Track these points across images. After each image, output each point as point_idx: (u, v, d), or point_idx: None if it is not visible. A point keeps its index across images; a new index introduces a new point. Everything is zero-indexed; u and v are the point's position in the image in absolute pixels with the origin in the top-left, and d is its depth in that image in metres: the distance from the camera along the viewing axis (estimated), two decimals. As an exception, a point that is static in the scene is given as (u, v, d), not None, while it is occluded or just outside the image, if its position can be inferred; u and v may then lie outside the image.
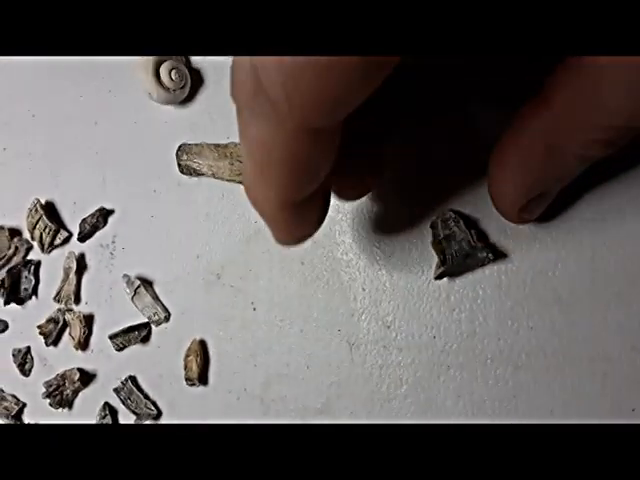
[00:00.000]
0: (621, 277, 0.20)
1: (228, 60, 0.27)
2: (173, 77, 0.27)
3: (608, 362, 0.20)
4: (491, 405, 0.21)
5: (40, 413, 0.31)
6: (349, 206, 0.24)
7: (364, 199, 0.24)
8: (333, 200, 0.25)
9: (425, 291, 0.23)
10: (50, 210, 0.31)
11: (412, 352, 0.23)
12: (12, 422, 0.31)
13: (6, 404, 0.31)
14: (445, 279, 0.22)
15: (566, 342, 0.21)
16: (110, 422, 0.29)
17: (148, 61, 0.27)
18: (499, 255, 0.21)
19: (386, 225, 0.23)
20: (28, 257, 0.31)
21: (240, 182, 0.26)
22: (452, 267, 0.21)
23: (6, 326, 0.32)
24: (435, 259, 0.22)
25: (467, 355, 0.22)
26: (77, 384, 0.29)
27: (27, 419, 0.32)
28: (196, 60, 0.28)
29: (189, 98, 0.28)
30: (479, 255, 0.21)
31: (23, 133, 0.33)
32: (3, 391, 0.32)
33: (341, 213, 0.24)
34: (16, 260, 0.31)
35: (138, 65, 0.27)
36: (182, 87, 0.27)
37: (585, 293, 0.20)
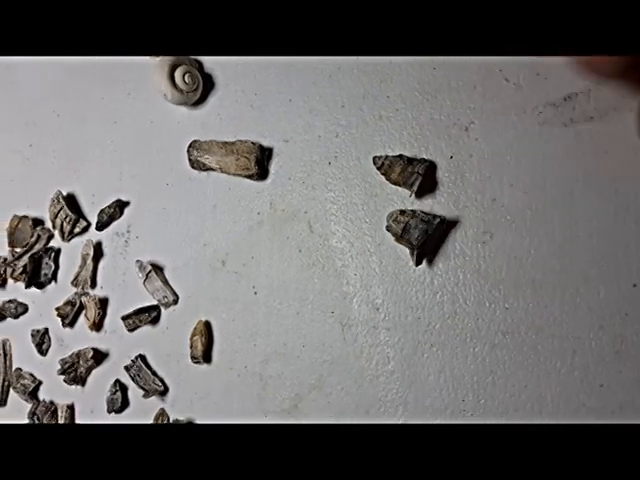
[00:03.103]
0: (589, 263, 0.22)
1: (237, 66, 0.30)
2: (186, 80, 0.29)
3: (577, 340, 0.22)
4: (470, 380, 0.23)
5: (55, 390, 0.33)
6: (343, 198, 0.26)
7: (357, 192, 0.26)
8: (328, 193, 0.27)
9: (411, 276, 0.25)
10: (71, 201, 0.33)
11: (399, 332, 0.25)
12: (28, 399, 0.34)
13: (24, 381, 0.34)
14: (427, 265, 0.24)
15: (539, 322, 0.22)
16: (120, 398, 0.31)
17: (163, 65, 0.30)
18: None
19: (376, 216, 0.26)
20: (49, 245, 0.34)
21: (245, 176, 0.29)
22: (423, 248, 0.23)
23: (26, 309, 0.35)
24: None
25: (448, 334, 0.24)
26: (90, 362, 0.31)
27: (42, 396, 0.34)
28: (208, 65, 0.31)
29: (201, 100, 0.30)
30: (435, 223, 0.23)
31: (48, 131, 0.35)
32: (21, 369, 0.34)
33: (336, 205, 0.27)
34: (38, 247, 0.34)
35: (155, 69, 0.30)
36: (195, 90, 0.30)
37: (556, 277, 0.22)
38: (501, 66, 0.24)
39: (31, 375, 0.34)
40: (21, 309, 0.34)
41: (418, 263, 0.24)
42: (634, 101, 0.22)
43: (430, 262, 0.24)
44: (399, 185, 0.24)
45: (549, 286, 0.22)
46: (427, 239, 0.23)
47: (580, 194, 0.22)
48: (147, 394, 0.30)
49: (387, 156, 0.24)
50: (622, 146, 0.22)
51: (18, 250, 0.34)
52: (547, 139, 0.23)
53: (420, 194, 0.24)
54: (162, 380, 0.30)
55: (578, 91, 0.22)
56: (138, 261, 0.31)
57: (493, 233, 0.23)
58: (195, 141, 0.30)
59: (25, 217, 0.35)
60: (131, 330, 0.30)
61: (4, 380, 0.34)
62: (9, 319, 0.35)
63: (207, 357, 0.29)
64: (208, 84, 0.30)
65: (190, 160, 0.30)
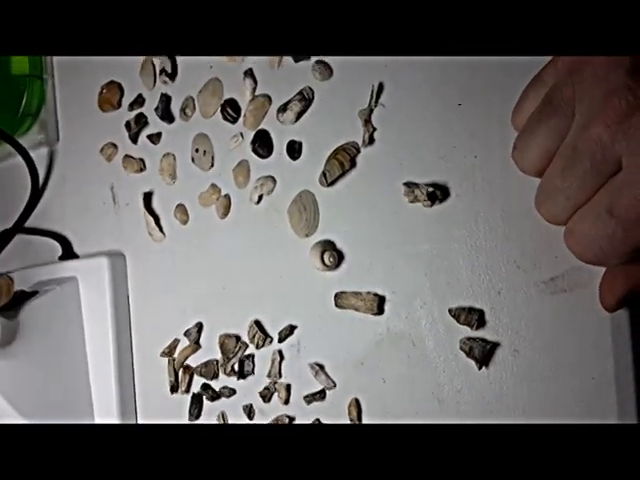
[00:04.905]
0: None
1: (354, 245, 0.51)
2: (330, 259, 0.51)
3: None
4: (513, 430, 0.43)
5: (259, 440, 0.55)
6: (430, 328, 0.47)
7: (439, 326, 0.46)
8: (423, 324, 0.48)
9: (476, 374, 0.45)
10: (260, 325, 0.55)
11: (470, 405, 0.45)
12: (242, 445, 0.56)
13: (240, 435, 0.56)
14: (484, 369, 0.44)
15: (548, 399, 0.42)
16: (305, 444, 0.52)
17: (316, 251, 0.51)
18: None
19: (453, 340, 0.46)
20: (246, 352, 0.56)
21: (370, 313, 0.50)
22: (482, 360, 0.44)
23: (234, 392, 0.57)
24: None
25: (497, 405, 0.44)
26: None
27: (251, 443, 0.56)
28: (339, 246, 0.52)
29: (338, 266, 0.52)
30: (487, 346, 0.43)
31: (234, 280, 0.58)
32: (236, 428, 0.56)
33: (427, 332, 0.47)
34: (240, 354, 0.56)
35: (310, 252, 0.51)
36: (335, 263, 0.51)
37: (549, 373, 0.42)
38: (515, 258, 0.44)
39: (244, 432, 0.56)
40: (231, 392, 0.57)
41: (479, 369, 0.44)
42: (592, 281, 0.41)
43: (486, 367, 0.45)
44: (465, 325, 0.45)
45: (545, 378, 0.42)
46: (484, 355, 0.44)
47: (562, 335, 0.42)
48: (323, 441, 0.51)
49: (457, 307, 0.45)
50: (583, 309, 0.41)
51: (227, 356, 0.57)
52: (542, 303, 0.43)
53: (477, 328, 0.45)
54: (332, 433, 0.51)
55: (558, 275, 0.42)
56: (309, 364, 0.52)
57: (519, 351, 0.43)
58: (337, 292, 0.51)
59: (229, 335, 0.57)
60: (308, 404, 0.52)
61: (226, 435, 0.57)
62: (223, 399, 0.57)
63: (359, 419, 0.50)
64: (340, 257, 0.52)
65: (335, 303, 0.51)
